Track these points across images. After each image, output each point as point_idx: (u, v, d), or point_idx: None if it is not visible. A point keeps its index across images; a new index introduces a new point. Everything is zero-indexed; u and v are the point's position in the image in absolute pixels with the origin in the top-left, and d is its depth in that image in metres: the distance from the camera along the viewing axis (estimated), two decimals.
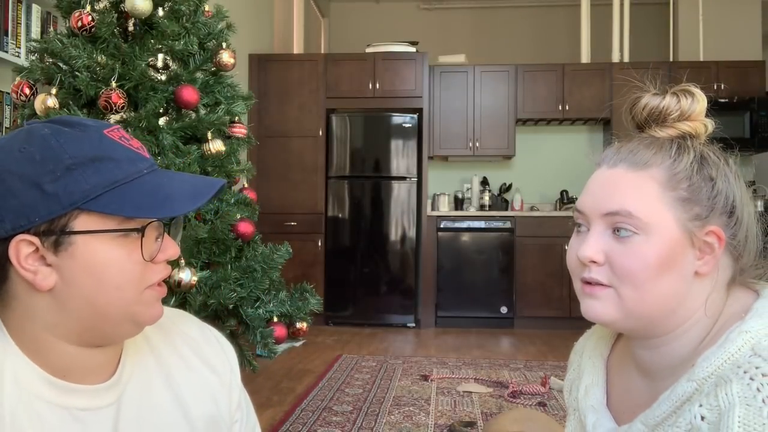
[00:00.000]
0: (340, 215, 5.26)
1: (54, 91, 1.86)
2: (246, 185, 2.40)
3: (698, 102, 0.81)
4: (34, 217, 0.69)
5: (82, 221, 0.70)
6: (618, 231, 0.76)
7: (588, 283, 0.79)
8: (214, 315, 2.13)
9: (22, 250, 0.70)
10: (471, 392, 3.22)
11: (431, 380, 3.44)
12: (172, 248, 0.78)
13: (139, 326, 0.77)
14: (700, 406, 0.69)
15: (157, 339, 0.87)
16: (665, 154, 0.78)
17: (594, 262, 0.77)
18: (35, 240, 0.70)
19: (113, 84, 1.82)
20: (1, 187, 0.70)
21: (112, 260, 0.72)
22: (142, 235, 0.73)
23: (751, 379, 0.66)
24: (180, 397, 0.84)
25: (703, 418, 0.69)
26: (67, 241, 0.70)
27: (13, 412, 0.70)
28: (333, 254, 5.24)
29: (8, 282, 0.72)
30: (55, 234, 0.70)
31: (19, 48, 2.51)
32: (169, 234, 0.79)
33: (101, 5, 1.93)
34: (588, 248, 0.77)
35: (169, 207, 0.73)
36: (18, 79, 1.95)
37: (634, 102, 0.83)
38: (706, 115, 0.82)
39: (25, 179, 0.69)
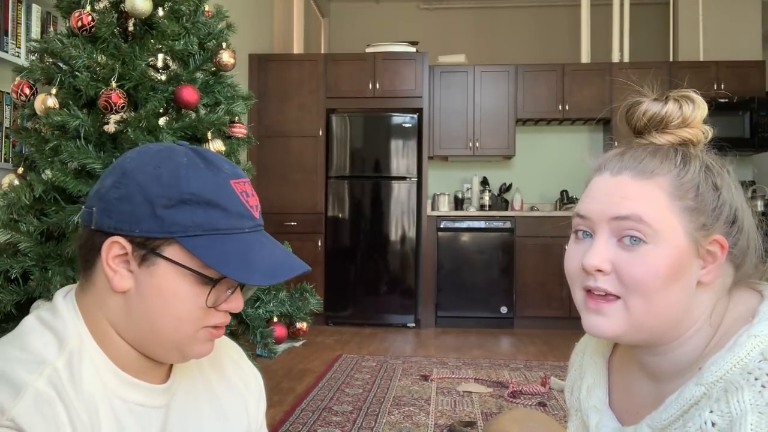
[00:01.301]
0: (340, 215, 5.26)
1: (54, 91, 1.85)
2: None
3: (699, 109, 0.80)
4: (135, 229, 0.76)
5: (172, 250, 0.77)
6: (625, 239, 0.74)
7: (590, 293, 0.77)
8: None
9: (113, 250, 0.77)
10: (471, 392, 3.22)
11: (431, 380, 3.44)
12: (237, 303, 0.82)
13: (185, 358, 0.82)
14: (711, 411, 0.69)
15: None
16: (671, 163, 0.77)
17: (600, 270, 0.75)
18: (128, 246, 0.77)
19: (113, 84, 1.82)
20: (123, 190, 0.77)
21: (181, 294, 0.77)
22: (213, 286, 0.78)
23: (763, 386, 0.66)
24: (220, 410, 0.91)
25: (713, 424, 0.68)
26: (152, 260, 0.77)
27: (92, 391, 0.75)
28: (333, 254, 5.24)
29: (93, 269, 0.79)
30: (146, 250, 0.76)
31: (19, 48, 2.51)
32: (241, 289, 0.83)
33: (101, 5, 1.93)
34: (594, 256, 0.75)
35: (244, 274, 0.77)
36: (18, 79, 1.95)
37: (632, 106, 0.82)
38: (705, 122, 0.81)
39: (145, 194, 0.76)
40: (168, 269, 0.77)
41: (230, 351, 0.99)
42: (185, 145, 0.83)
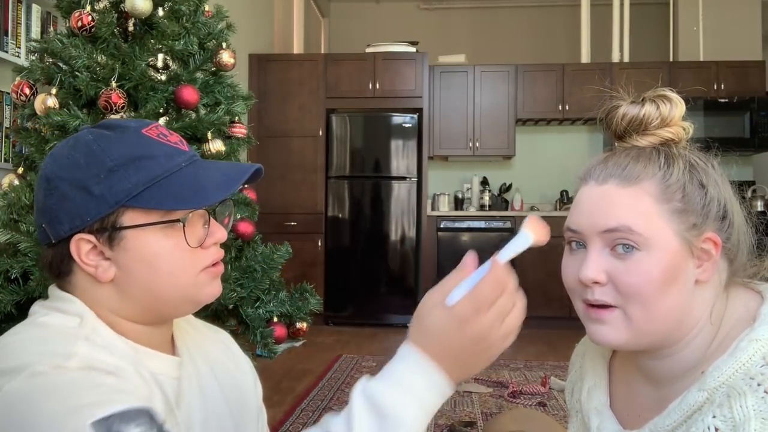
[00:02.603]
0: (340, 215, 5.26)
1: (54, 91, 1.85)
2: (246, 185, 2.40)
3: (676, 107, 0.79)
4: (86, 217, 0.77)
5: (129, 217, 0.77)
6: (618, 247, 0.74)
7: (591, 305, 0.77)
8: (214, 315, 2.13)
9: (82, 247, 0.78)
10: (471, 392, 3.22)
11: None
12: (219, 232, 0.84)
13: (197, 305, 0.84)
14: (714, 417, 0.69)
15: (200, 337, 0.95)
16: (654, 166, 0.76)
17: (597, 282, 0.75)
18: (91, 238, 0.77)
19: (113, 84, 1.82)
20: (56, 193, 0.77)
21: (161, 250, 0.78)
22: (184, 225, 0.79)
23: (766, 392, 0.66)
24: (222, 387, 0.92)
25: (717, 430, 0.68)
26: (119, 236, 0.77)
27: (123, 356, 0.76)
28: (333, 254, 5.24)
29: (72, 275, 0.80)
30: (107, 230, 0.77)
31: (19, 48, 2.51)
32: (215, 219, 0.85)
33: (101, 5, 1.93)
34: (589, 269, 0.75)
35: (203, 197, 0.79)
36: (18, 79, 1.95)
37: (609, 111, 0.81)
38: (684, 118, 0.80)
39: (75, 184, 0.77)
40: (136, 236, 0.78)
41: (221, 336, 1.02)
42: (87, 126, 0.84)
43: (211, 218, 0.83)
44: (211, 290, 0.84)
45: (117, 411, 0.65)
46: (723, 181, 0.79)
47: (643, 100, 0.80)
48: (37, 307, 0.81)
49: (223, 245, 0.86)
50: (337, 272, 5.22)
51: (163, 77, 1.97)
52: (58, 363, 0.69)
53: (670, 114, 0.79)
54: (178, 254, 0.79)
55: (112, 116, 1.83)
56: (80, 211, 0.76)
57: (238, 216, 2.14)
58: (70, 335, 0.74)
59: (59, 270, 0.80)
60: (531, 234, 0.74)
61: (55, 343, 0.72)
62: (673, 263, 0.74)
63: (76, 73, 1.83)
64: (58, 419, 0.63)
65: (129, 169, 0.77)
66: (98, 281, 0.78)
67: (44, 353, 0.70)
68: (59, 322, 0.76)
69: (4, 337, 0.75)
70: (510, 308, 0.72)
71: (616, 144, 0.83)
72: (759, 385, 0.67)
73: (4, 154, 2.46)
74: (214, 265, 0.83)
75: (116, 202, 0.76)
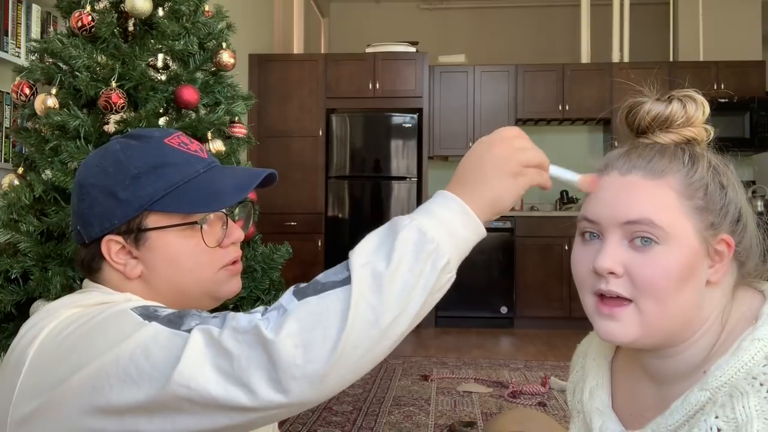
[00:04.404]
0: (340, 215, 5.26)
1: (54, 91, 1.85)
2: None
3: (701, 108, 0.80)
4: (114, 220, 0.84)
5: (152, 219, 0.85)
6: (637, 240, 0.74)
7: (602, 298, 0.76)
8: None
9: (112, 247, 0.85)
10: (471, 392, 3.22)
11: (431, 380, 3.44)
12: (236, 232, 0.91)
13: (217, 300, 0.91)
14: (716, 417, 0.68)
15: None
16: (679, 162, 0.77)
17: (612, 273, 0.74)
18: (120, 239, 0.85)
19: (113, 84, 1.82)
20: (88, 198, 0.85)
21: (182, 249, 0.86)
22: (202, 227, 0.86)
23: None
24: None
25: (719, 430, 0.68)
26: (144, 237, 0.85)
27: None
28: (333, 254, 5.24)
29: (102, 271, 0.88)
30: (133, 232, 0.85)
31: (19, 48, 2.51)
32: (234, 220, 0.92)
33: (101, 5, 1.93)
34: (606, 259, 0.74)
35: (218, 201, 0.86)
36: (18, 79, 1.94)
37: (633, 107, 0.82)
38: (706, 121, 0.81)
39: (104, 190, 0.84)
40: (160, 237, 0.85)
41: None
42: (117, 137, 0.91)
43: (229, 219, 0.90)
44: (230, 287, 0.91)
45: (154, 304, 0.78)
46: (738, 185, 0.79)
47: (669, 98, 0.80)
48: (77, 292, 0.87)
49: None
50: None
51: (163, 77, 1.97)
52: (110, 302, 0.79)
53: (695, 114, 0.79)
54: (198, 253, 0.86)
55: (113, 116, 1.83)
56: (109, 215, 0.84)
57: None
58: (121, 298, 0.82)
59: (90, 267, 0.88)
60: (580, 177, 0.79)
61: (110, 298, 0.82)
62: (691, 260, 0.73)
63: (76, 73, 1.83)
64: (104, 313, 0.74)
65: (151, 176, 0.84)
66: (127, 278, 0.86)
67: (97, 301, 0.80)
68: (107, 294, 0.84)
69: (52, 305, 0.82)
70: (529, 148, 0.79)
71: (616, 141, 0.83)
72: (762, 385, 0.67)
73: (4, 154, 2.46)
74: (233, 263, 0.90)
75: (140, 206, 0.83)
